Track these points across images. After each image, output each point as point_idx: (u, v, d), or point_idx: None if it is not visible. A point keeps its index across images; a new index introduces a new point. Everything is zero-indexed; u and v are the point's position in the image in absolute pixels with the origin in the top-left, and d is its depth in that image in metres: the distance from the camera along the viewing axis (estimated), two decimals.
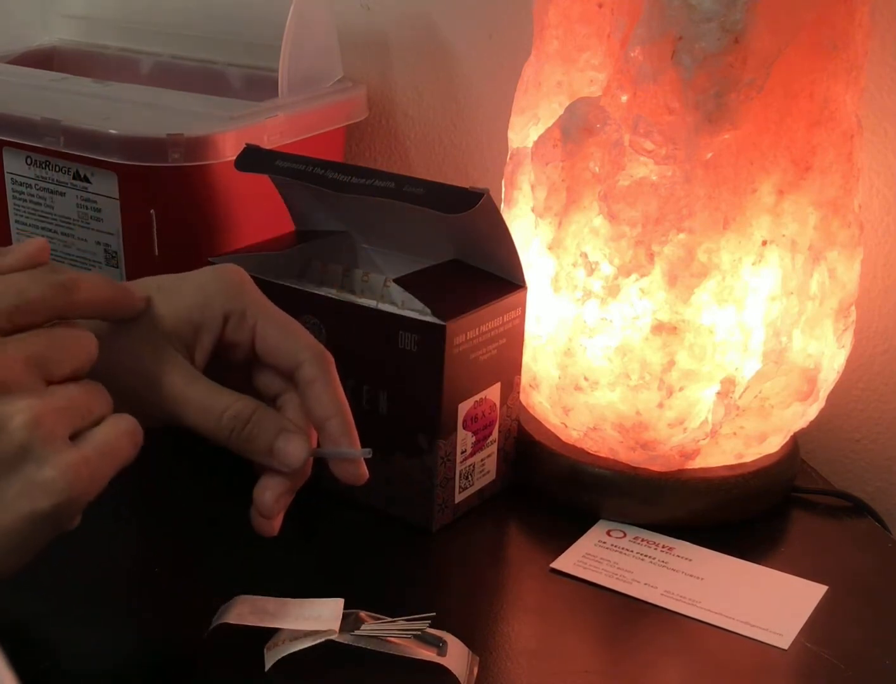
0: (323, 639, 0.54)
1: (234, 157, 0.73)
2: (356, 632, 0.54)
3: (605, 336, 0.67)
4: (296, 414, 0.56)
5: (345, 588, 0.58)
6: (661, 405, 0.67)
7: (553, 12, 0.71)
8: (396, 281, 0.68)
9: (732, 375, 0.67)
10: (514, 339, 0.70)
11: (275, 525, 0.56)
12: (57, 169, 0.81)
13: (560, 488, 0.72)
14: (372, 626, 0.55)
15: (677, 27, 0.61)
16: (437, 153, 0.98)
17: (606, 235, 0.66)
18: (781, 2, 0.61)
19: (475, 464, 0.70)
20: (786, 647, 0.59)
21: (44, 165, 0.81)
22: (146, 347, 0.54)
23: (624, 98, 0.65)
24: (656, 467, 0.70)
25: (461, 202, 0.65)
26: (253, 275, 0.59)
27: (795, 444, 0.75)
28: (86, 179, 0.80)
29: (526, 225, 0.72)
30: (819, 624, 0.62)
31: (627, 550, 0.68)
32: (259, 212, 0.81)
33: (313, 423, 0.56)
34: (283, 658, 0.54)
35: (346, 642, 0.54)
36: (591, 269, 0.67)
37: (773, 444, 0.72)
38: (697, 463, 0.70)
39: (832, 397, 0.74)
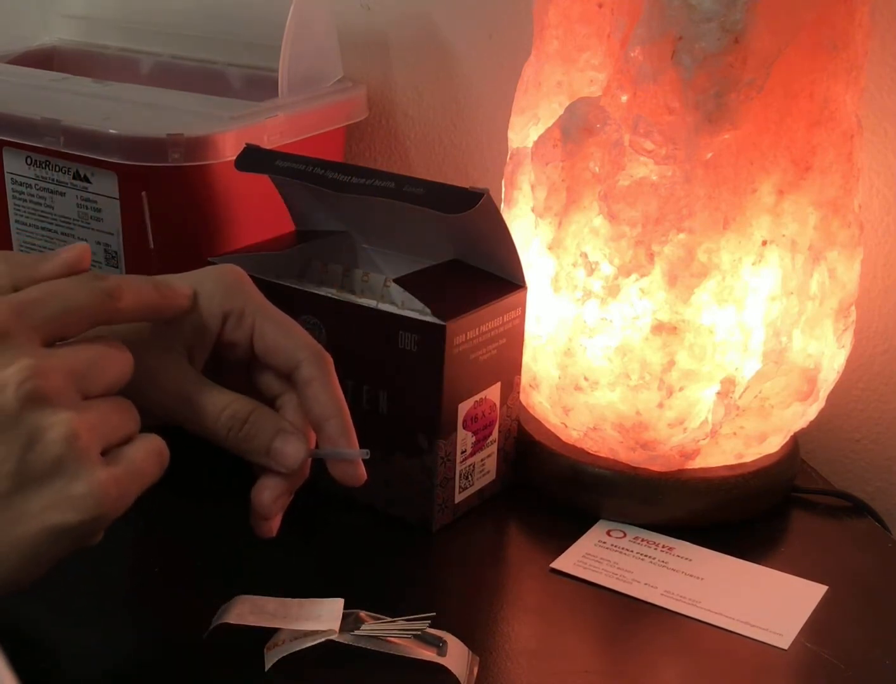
0: (323, 639, 0.54)
1: (234, 157, 0.73)
2: (356, 632, 0.54)
3: (605, 336, 0.67)
4: (294, 414, 0.56)
5: (345, 588, 0.58)
6: (661, 405, 0.67)
7: (553, 12, 0.71)
8: (396, 281, 0.68)
9: (732, 375, 0.67)
10: (514, 339, 0.70)
11: (273, 526, 0.56)
12: (57, 169, 0.81)
13: (560, 488, 0.72)
14: (372, 626, 0.55)
15: (677, 27, 0.61)
16: (437, 153, 0.98)
17: (606, 235, 0.66)
18: (781, 2, 0.61)
19: (475, 464, 0.70)
20: (786, 647, 0.59)
21: (44, 165, 0.81)
22: (145, 345, 0.54)
23: (624, 98, 0.65)
24: (656, 467, 0.70)
25: (461, 202, 0.65)
26: (253, 275, 0.59)
27: (795, 444, 0.75)
28: (86, 179, 0.80)
29: (526, 225, 0.72)
30: (819, 624, 0.62)
31: (627, 550, 0.68)
32: (259, 212, 0.81)
33: (312, 424, 0.56)
34: (283, 658, 0.54)
35: (346, 642, 0.54)
36: (591, 269, 0.67)
37: (773, 444, 0.72)
38: (697, 463, 0.70)
39: (832, 397, 0.74)
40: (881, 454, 0.85)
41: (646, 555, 0.67)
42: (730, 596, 0.63)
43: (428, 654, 0.54)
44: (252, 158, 0.73)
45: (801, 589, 0.65)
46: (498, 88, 0.88)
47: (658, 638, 0.61)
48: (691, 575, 0.65)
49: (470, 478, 0.70)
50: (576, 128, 0.66)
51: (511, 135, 0.75)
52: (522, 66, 0.75)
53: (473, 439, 0.69)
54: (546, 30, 0.71)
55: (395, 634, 0.55)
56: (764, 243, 0.66)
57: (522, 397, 0.73)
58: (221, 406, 0.54)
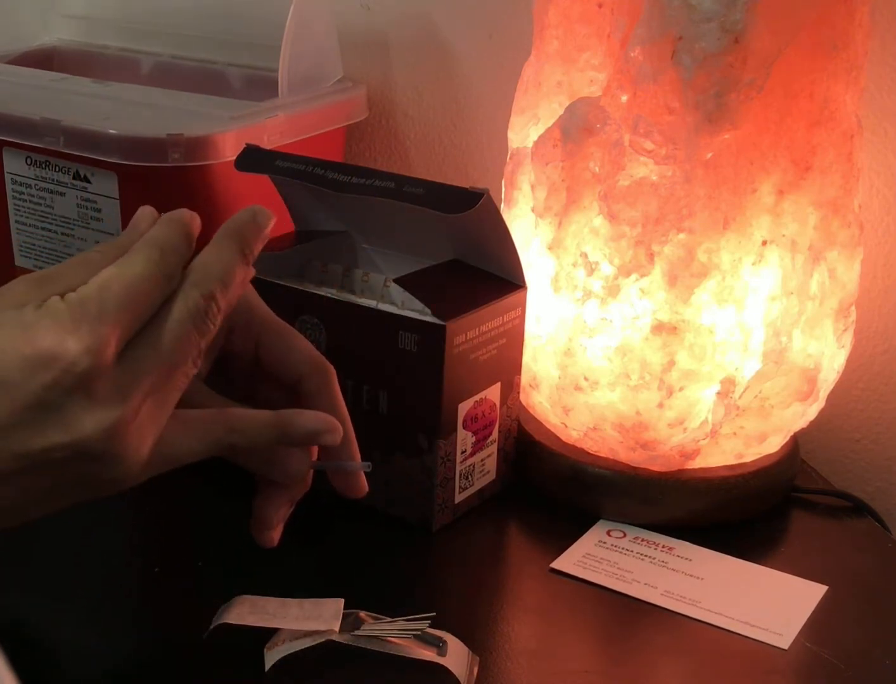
0: (323, 639, 0.54)
1: (234, 157, 0.73)
2: (356, 632, 0.54)
3: (605, 336, 0.67)
4: None
5: (345, 588, 0.58)
6: (661, 405, 0.67)
7: (553, 12, 0.71)
8: (396, 281, 0.68)
9: (732, 375, 0.67)
10: (514, 339, 0.70)
11: (274, 536, 0.56)
12: (57, 169, 0.81)
13: (560, 488, 0.72)
14: (372, 626, 0.55)
15: (677, 27, 0.61)
16: (437, 153, 0.98)
17: (606, 235, 0.66)
18: (781, 2, 0.61)
19: (475, 464, 0.70)
20: (786, 647, 0.59)
21: (44, 165, 0.81)
22: None
23: (624, 98, 0.65)
24: (656, 467, 0.70)
25: (461, 202, 0.65)
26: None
27: (795, 444, 0.75)
28: (86, 179, 0.80)
29: (526, 225, 0.72)
30: (819, 624, 0.62)
31: (627, 550, 0.68)
32: None
33: None
34: (283, 658, 0.54)
35: (346, 642, 0.54)
36: (591, 269, 0.67)
37: (773, 444, 0.72)
38: (697, 463, 0.70)
39: (832, 397, 0.74)
40: (881, 454, 0.85)
41: (646, 555, 0.67)
42: (730, 596, 0.63)
43: (428, 654, 0.54)
44: (252, 158, 0.73)
45: (801, 589, 0.65)
46: (498, 88, 0.88)
47: (658, 638, 0.61)
48: (691, 575, 0.65)
49: (470, 478, 0.70)
50: (576, 128, 0.66)
51: (511, 135, 0.75)
52: (522, 66, 0.75)
53: (473, 439, 0.69)
54: (546, 30, 0.71)
55: (395, 634, 0.55)
56: (764, 243, 0.66)
57: (522, 397, 0.73)
58: None
